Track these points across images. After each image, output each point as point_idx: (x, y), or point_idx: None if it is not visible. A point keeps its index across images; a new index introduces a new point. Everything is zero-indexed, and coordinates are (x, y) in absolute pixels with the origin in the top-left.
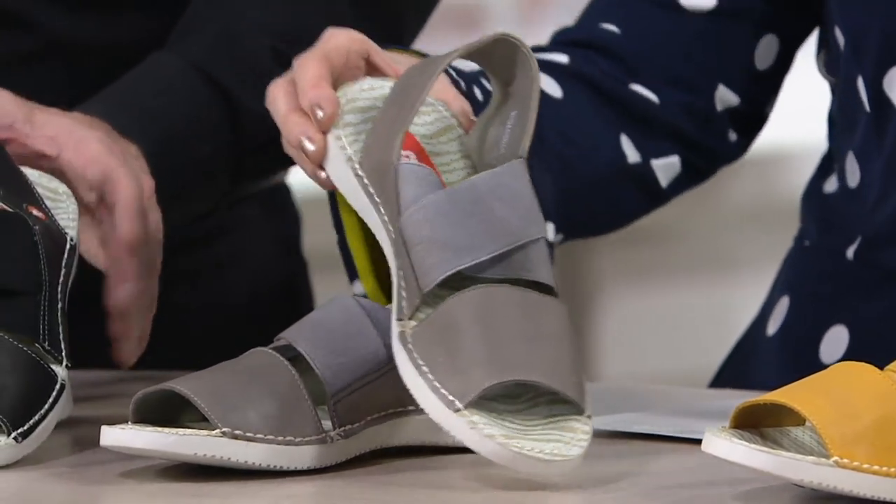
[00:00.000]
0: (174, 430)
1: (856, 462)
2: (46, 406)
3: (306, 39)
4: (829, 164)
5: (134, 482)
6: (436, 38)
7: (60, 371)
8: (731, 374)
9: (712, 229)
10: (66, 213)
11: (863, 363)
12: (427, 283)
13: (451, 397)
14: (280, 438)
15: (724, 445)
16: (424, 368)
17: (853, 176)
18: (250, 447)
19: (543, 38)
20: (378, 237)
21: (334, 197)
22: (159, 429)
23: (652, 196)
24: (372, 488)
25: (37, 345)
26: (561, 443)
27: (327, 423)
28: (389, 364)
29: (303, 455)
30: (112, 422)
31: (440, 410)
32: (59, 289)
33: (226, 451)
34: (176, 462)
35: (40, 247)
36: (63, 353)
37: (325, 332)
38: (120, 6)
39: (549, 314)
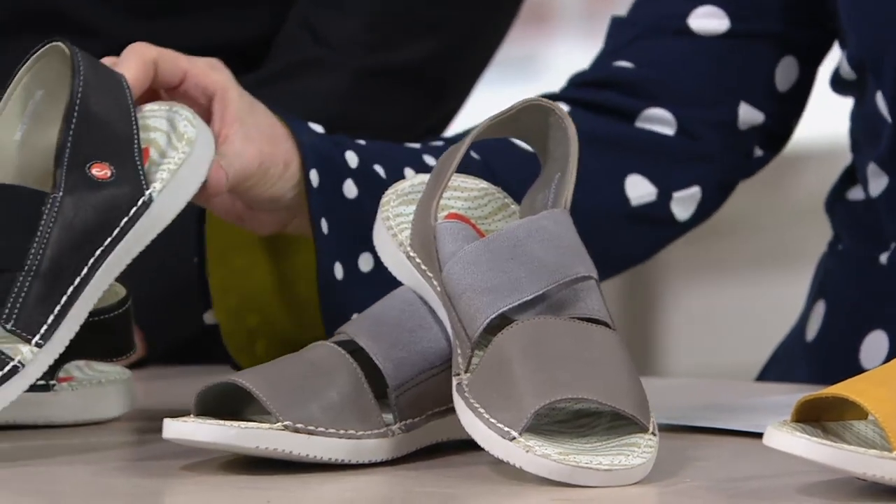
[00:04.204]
0: (236, 424)
1: None
2: None
3: None
4: (853, 174)
5: (196, 475)
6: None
7: (25, 350)
8: (772, 379)
9: (780, 223)
10: (170, 159)
11: None
12: (474, 330)
13: (506, 428)
14: (342, 432)
15: (785, 439)
16: (480, 409)
17: (878, 185)
18: (312, 440)
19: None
20: (437, 312)
21: (201, 223)
22: (221, 422)
23: (667, 230)
24: (433, 481)
25: None
26: (622, 456)
27: (388, 417)
28: (451, 359)
29: (364, 448)
30: (174, 415)
31: (497, 443)
32: (94, 259)
33: (287, 445)
34: (238, 455)
35: (45, 224)
36: (38, 334)
37: (387, 325)
38: (181, 10)
39: (600, 341)
